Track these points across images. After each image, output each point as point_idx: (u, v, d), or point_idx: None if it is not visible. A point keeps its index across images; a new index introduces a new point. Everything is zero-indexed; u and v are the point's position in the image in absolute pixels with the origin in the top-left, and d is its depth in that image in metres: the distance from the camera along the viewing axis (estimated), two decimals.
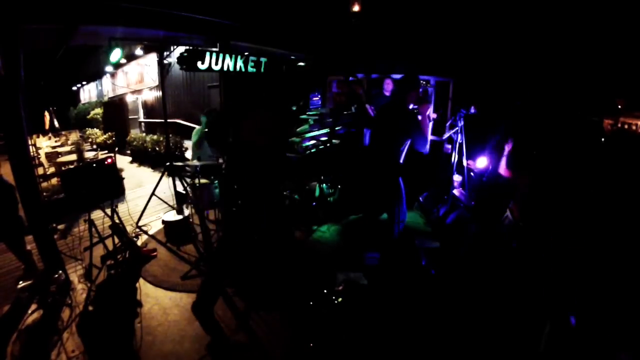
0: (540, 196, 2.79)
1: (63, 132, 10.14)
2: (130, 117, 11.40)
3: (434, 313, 2.60)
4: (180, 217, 4.11)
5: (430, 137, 5.75)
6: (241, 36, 5.07)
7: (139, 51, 7.89)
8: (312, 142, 4.98)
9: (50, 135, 10.03)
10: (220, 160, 3.96)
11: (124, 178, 4.13)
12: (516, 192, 3.01)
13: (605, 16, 3.85)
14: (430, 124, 5.63)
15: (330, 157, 4.89)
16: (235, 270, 3.00)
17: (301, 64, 5.23)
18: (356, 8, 5.32)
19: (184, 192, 4.32)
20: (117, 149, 9.39)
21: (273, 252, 3.33)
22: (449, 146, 5.06)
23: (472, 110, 3.97)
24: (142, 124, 11.78)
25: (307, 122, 5.27)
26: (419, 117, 3.33)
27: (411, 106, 3.37)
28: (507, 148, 3.03)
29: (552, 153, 2.67)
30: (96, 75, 15.17)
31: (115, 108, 11.21)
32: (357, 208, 4.51)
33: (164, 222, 4.11)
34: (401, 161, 3.51)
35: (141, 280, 3.20)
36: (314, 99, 6.12)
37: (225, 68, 4.38)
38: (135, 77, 11.11)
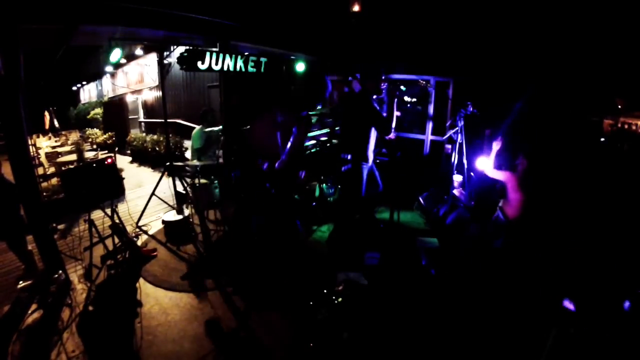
0: (539, 195, 2.79)
1: (63, 132, 10.15)
2: (130, 117, 11.39)
3: (434, 313, 2.60)
4: (180, 217, 4.11)
5: (431, 137, 5.76)
6: (241, 36, 5.07)
7: (139, 51, 7.90)
8: (312, 142, 4.99)
9: (50, 135, 10.03)
10: (221, 160, 3.96)
11: (124, 178, 4.12)
12: (506, 191, 3.01)
13: (605, 16, 3.85)
14: (430, 123, 5.62)
15: (330, 157, 4.89)
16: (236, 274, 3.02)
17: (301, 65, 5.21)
18: (356, 8, 5.32)
19: (184, 192, 4.32)
20: (117, 149, 9.39)
21: (273, 251, 3.33)
22: (449, 146, 5.07)
23: (471, 110, 3.98)
24: (142, 124, 11.77)
25: None
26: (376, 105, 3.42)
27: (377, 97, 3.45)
28: (495, 147, 3.03)
29: (552, 152, 2.67)
30: (96, 75, 15.16)
31: (115, 108, 11.20)
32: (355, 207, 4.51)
33: (164, 222, 4.11)
34: (398, 153, 3.56)
35: (141, 280, 3.20)
36: None
37: (225, 68, 4.37)
38: (135, 77, 11.11)
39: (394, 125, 3.38)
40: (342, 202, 4.06)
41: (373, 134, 3.50)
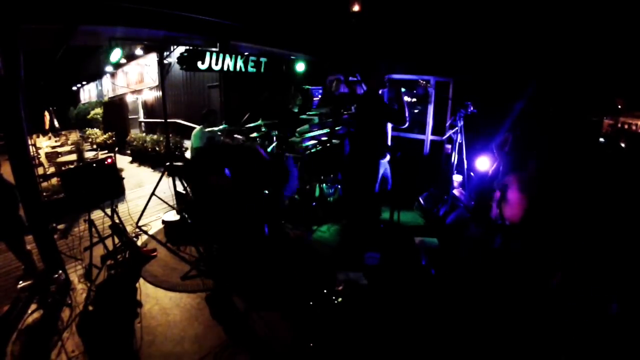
0: (541, 196, 2.78)
1: (63, 132, 10.16)
2: (130, 117, 11.41)
3: (433, 313, 2.60)
4: (180, 217, 4.11)
5: (431, 136, 5.76)
6: (241, 36, 5.08)
7: (139, 51, 7.91)
8: (312, 142, 4.98)
9: (50, 135, 10.04)
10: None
11: (124, 178, 4.12)
12: (506, 192, 3.01)
13: (605, 16, 3.85)
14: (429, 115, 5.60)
15: (330, 157, 4.89)
16: (236, 274, 3.03)
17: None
18: (356, 8, 5.33)
19: (184, 192, 4.32)
20: (117, 149, 9.39)
21: (273, 251, 3.34)
22: (449, 146, 5.06)
23: (471, 110, 3.98)
24: (142, 124, 11.78)
25: (307, 122, 5.27)
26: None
27: (380, 91, 3.51)
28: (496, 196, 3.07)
29: (553, 152, 2.67)
30: (96, 75, 15.19)
31: (115, 108, 11.20)
32: (357, 208, 4.51)
33: (164, 222, 4.11)
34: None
35: (141, 280, 3.20)
36: (315, 99, 6.11)
37: (225, 68, 4.38)
38: (135, 77, 11.13)
39: (407, 114, 3.41)
40: (353, 199, 4.06)
41: (389, 129, 3.55)
